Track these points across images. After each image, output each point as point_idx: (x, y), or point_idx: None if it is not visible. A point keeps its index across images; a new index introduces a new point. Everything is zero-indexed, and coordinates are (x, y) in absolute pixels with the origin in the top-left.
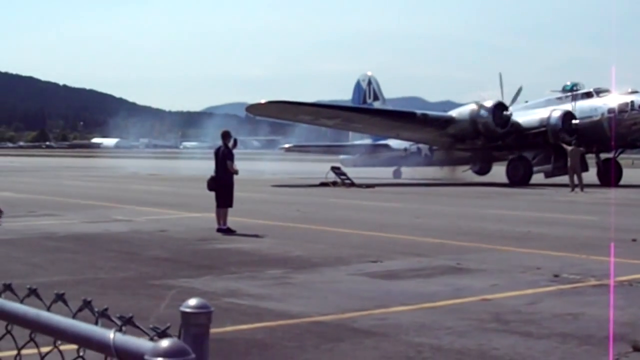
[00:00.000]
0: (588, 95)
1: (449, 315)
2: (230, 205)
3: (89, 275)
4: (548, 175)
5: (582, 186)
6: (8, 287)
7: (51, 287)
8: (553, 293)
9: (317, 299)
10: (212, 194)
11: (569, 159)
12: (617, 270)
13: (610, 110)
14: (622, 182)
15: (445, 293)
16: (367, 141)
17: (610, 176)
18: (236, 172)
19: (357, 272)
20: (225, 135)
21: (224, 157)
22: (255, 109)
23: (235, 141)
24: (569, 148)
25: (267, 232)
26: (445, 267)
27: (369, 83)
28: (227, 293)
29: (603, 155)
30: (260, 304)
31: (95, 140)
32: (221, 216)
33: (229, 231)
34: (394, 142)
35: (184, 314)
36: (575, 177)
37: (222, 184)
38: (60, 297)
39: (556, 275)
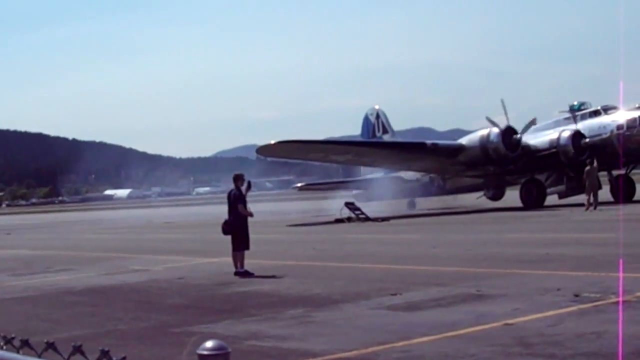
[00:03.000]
0: (596, 113)
1: (473, 343)
2: (247, 248)
3: (109, 327)
4: (562, 196)
5: (597, 204)
6: (26, 343)
7: (71, 341)
8: (575, 313)
9: (339, 335)
10: (228, 237)
11: (586, 179)
12: (637, 286)
13: (619, 127)
14: (636, 198)
15: (467, 320)
16: (379, 174)
17: (624, 192)
18: (251, 215)
19: (377, 306)
20: (237, 179)
21: (236, 201)
22: (265, 150)
23: (250, 184)
24: (586, 168)
25: (285, 272)
26: (465, 295)
27: (377, 116)
28: (249, 336)
29: (615, 172)
30: (283, 344)
31: (108, 192)
32: (238, 259)
33: (246, 274)
34: (405, 174)
35: (201, 356)
36: (591, 196)
37: (236, 227)
38: (77, 349)
39: (577, 295)
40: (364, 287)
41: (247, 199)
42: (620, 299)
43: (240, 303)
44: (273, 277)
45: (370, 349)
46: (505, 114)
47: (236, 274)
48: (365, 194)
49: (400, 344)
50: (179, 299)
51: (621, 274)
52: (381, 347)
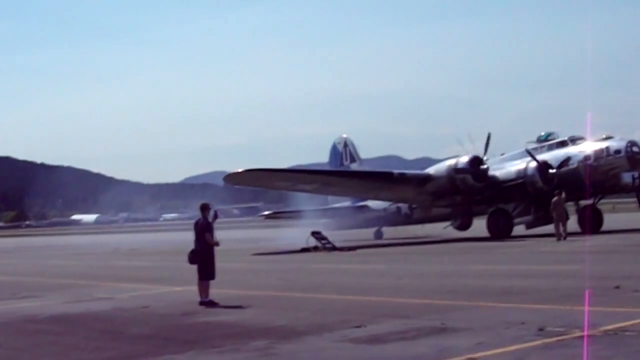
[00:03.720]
0: (563, 144)
1: None
2: (212, 278)
3: (72, 357)
4: (529, 226)
5: (566, 235)
6: None
7: None
8: (538, 347)
9: None
10: (194, 266)
11: (553, 209)
12: (603, 319)
13: (586, 158)
14: (603, 228)
15: (431, 354)
16: (346, 203)
17: (591, 223)
18: (217, 244)
19: (341, 339)
20: (204, 208)
21: (203, 230)
22: (232, 179)
23: (216, 213)
24: (554, 198)
25: (250, 302)
26: (429, 328)
27: (345, 145)
28: None
29: (583, 202)
30: None
31: (75, 217)
32: (203, 289)
33: (211, 304)
34: (373, 203)
35: None
36: (560, 226)
37: (203, 257)
38: None
39: (541, 329)
40: (328, 318)
41: (214, 227)
42: (585, 333)
43: (204, 334)
44: (238, 307)
45: None
46: (472, 143)
47: (201, 303)
48: (332, 223)
49: None
50: (143, 329)
51: (586, 308)
52: None
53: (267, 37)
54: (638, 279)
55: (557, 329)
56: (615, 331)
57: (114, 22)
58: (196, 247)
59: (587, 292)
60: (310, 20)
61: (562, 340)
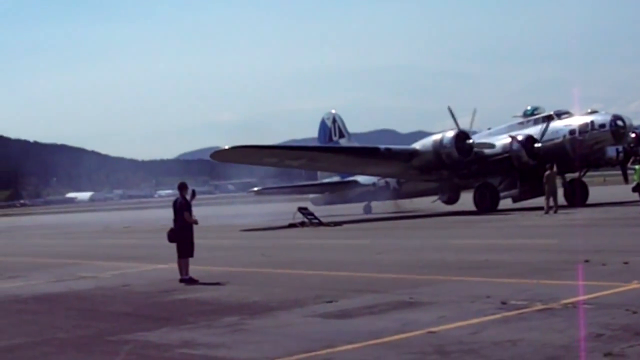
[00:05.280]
0: (549, 118)
1: (393, 351)
2: (191, 255)
3: (48, 335)
4: (516, 199)
5: (557, 208)
6: None
7: (10, 350)
8: (498, 321)
9: (268, 343)
10: (175, 244)
11: (545, 183)
12: (566, 293)
13: (571, 132)
14: (590, 201)
15: (393, 328)
16: (336, 178)
17: (577, 197)
18: (195, 222)
19: (311, 314)
20: (182, 187)
21: (181, 209)
22: (219, 156)
23: (194, 192)
24: (546, 172)
25: (229, 279)
26: (397, 302)
27: (334, 121)
28: (181, 344)
29: (569, 176)
30: (213, 352)
31: (70, 195)
32: (183, 266)
33: (191, 281)
34: (362, 178)
35: None
36: (551, 200)
37: (182, 235)
38: None
39: (504, 303)
40: (302, 294)
41: (194, 204)
42: (545, 306)
43: (180, 310)
44: (217, 284)
45: (294, 357)
46: (454, 119)
47: (181, 280)
48: (321, 198)
49: (324, 352)
50: (120, 307)
51: (552, 282)
52: (305, 354)
53: (260, 13)
54: (609, 252)
55: (519, 302)
56: (575, 304)
57: None
58: (175, 225)
59: (559, 266)
60: None
61: (522, 313)
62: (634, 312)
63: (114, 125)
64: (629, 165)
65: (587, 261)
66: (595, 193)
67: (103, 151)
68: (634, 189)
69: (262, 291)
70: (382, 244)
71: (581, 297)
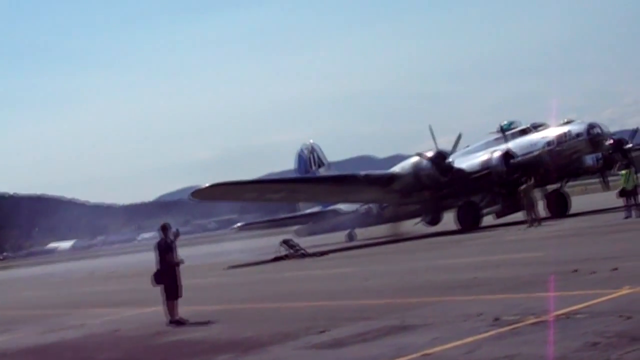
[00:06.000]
0: (525, 131)
1: None
2: (180, 296)
3: None
4: (499, 215)
5: (540, 220)
6: None
7: None
8: (492, 337)
9: None
10: (161, 287)
11: (523, 197)
12: (558, 304)
13: (549, 143)
14: (572, 211)
15: (388, 354)
16: (317, 208)
17: (558, 207)
18: (181, 262)
19: (304, 346)
20: (165, 228)
21: (165, 250)
22: (199, 194)
23: (177, 232)
24: (522, 186)
25: (219, 317)
26: (390, 327)
27: (312, 150)
28: None
29: (550, 187)
30: None
31: (52, 245)
32: (172, 308)
33: (180, 322)
34: (343, 206)
35: None
36: (532, 213)
37: (167, 277)
38: None
39: (496, 319)
40: (293, 326)
41: (178, 244)
42: (538, 319)
43: (172, 352)
44: (207, 323)
45: None
46: (434, 139)
47: (171, 322)
48: (305, 229)
49: None
50: (113, 353)
51: (543, 294)
52: None
53: (230, 49)
54: (596, 260)
55: (511, 318)
56: (568, 315)
57: (72, 46)
58: (160, 267)
59: (548, 278)
60: (271, 30)
61: (516, 328)
62: (628, 318)
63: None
64: (615, 170)
65: (575, 271)
66: (577, 203)
67: (82, 198)
68: (621, 194)
69: (253, 327)
70: (370, 270)
71: (573, 307)
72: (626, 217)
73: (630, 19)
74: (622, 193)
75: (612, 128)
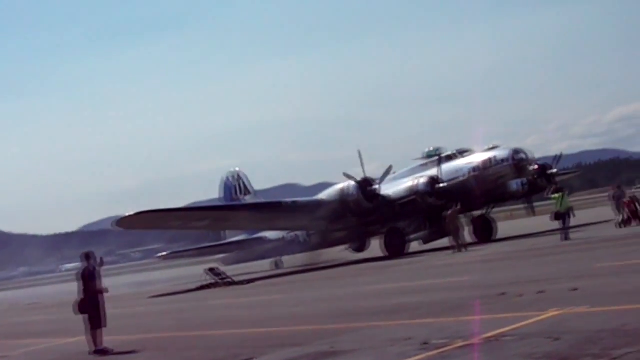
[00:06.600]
0: (451, 157)
1: None
2: (104, 325)
3: None
4: (425, 241)
5: (466, 245)
6: None
7: None
8: None
9: None
10: (86, 316)
11: (448, 223)
12: (486, 327)
13: (474, 169)
14: (498, 236)
15: None
16: (243, 236)
17: (484, 232)
18: (106, 291)
19: None
20: (88, 256)
21: (89, 278)
22: (124, 223)
23: (101, 260)
24: (448, 212)
25: (145, 346)
26: (319, 353)
27: (238, 178)
28: None
29: (476, 213)
30: None
31: None
32: (96, 337)
33: (105, 352)
34: (270, 233)
35: None
36: (458, 239)
37: (91, 306)
38: None
39: (425, 343)
40: (220, 354)
41: (102, 273)
42: (466, 342)
43: None
44: (132, 352)
45: None
46: (362, 165)
47: (95, 352)
48: (231, 257)
49: None
50: None
51: (471, 317)
52: None
53: (154, 77)
54: (523, 283)
55: (440, 342)
56: (496, 337)
57: None
58: (83, 296)
59: (476, 302)
60: (196, 58)
61: (444, 352)
62: (556, 339)
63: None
64: (548, 194)
65: (503, 294)
66: (503, 228)
67: (4, 229)
68: (555, 217)
69: (179, 355)
70: (297, 297)
71: (502, 330)
72: (563, 240)
73: (552, 47)
74: (557, 216)
75: (536, 154)
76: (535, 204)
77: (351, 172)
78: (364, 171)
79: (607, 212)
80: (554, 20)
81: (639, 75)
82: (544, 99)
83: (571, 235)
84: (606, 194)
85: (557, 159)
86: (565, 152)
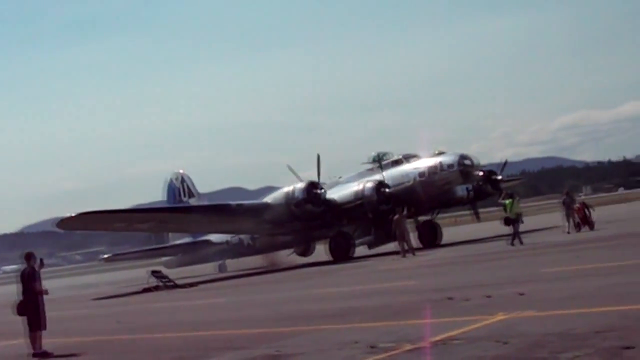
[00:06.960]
0: (398, 162)
1: None
2: (44, 328)
3: None
4: (371, 246)
5: (413, 250)
6: None
7: None
8: None
9: None
10: (24, 318)
11: (395, 227)
12: (434, 331)
13: (420, 174)
14: (443, 242)
15: None
16: (187, 239)
17: (429, 238)
18: (46, 293)
19: None
20: (29, 257)
21: (29, 279)
22: (66, 224)
23: (42, 261)
24: (395, 216)
25: (85, 349)
26: (263, 357)
27: (182, 181)
28: None
29: (422, 218)
30: None
31: None
32: (36, 340)
33: (45, 355)
34: (214, 237)
35: None
36: (405, 243)
37: (31, 307)
38: None
39: (372, 347)
40: (163, 357)
41: (42, 275)
42: (414, 346)
43: None
44: (73, 355)
45: None
46: (318, 169)
47: (34, 355)
48: (174, 261)
49: None
50: None
51: (419, 321)
52: None
53: (93, 79)
54: (470, 288)
55: (388, 345)
56: (444, 341)
57: None
58: (23, 297)
59: (423, 306)
60: (140, 58)
61: (392, 355)
62: (505, 343)
63: None
64: (501, 200)
65: (450, 298)
66: (448, 233)
67: None
68: (506, 223)
69: (121, 358)
70: (241, 300)
71: (450, 334)
72: (512, 244)
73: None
74: (507, 222)
75: (481, 161)
76: (480, 210)
77: (294, 178)
78: (299, 179)
79: (553, 218)
80: (501, 28)
81: (584, 85)
82: (489, 106)
83: (517, 241)
84: (550, 201)
85: (503, 165)
86: (510, 159)
